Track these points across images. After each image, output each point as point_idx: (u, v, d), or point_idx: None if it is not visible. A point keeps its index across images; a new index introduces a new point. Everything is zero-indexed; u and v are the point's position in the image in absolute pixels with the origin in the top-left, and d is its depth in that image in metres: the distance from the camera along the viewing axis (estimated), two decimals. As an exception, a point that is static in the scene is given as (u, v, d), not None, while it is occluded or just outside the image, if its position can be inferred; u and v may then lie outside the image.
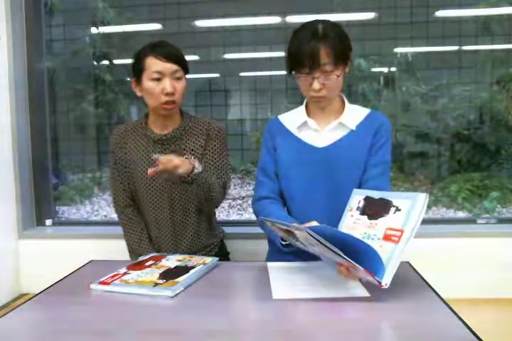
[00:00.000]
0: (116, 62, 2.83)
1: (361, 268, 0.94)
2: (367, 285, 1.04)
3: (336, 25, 1.29)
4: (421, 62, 2.68)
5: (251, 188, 2.92)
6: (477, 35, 2.61)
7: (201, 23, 2.69)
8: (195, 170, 1.35)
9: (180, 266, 1.22)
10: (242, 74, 2.80)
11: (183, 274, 1.15)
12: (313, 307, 0.98)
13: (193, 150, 1.52)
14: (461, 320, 0.89)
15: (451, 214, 2.72)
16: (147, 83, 1.42)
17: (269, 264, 1.28)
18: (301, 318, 0.94)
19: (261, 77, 2.79)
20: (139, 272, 1.17)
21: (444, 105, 2.71)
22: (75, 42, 2.81)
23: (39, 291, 1.11)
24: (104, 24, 2.75)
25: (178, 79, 1.44)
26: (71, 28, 2.79)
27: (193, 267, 1.20)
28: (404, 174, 2.84)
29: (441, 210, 2.75)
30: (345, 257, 0.94)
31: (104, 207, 2.89)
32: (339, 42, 1.26)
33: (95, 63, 2.85)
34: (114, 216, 1.68)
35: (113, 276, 1.14)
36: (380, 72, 2.76)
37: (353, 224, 1.16)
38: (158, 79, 1.41)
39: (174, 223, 1.54)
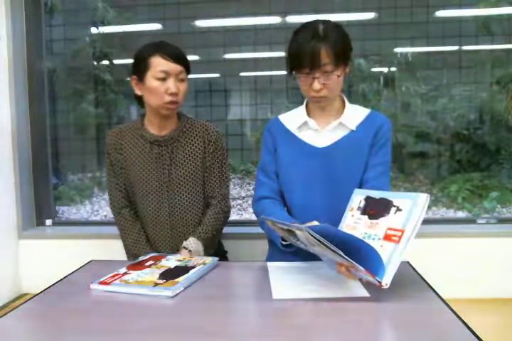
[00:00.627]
0: (116, 62, 2.83)
1: (361, 268, 0.94)
2: (367, 285, 1.04)
3: (336, 26, 1.29)
4: (421, 62, 2.68)
5: (251, 188, 2.92)
6: (477, 35, 2.61)
7: (201, 23, 2.69)
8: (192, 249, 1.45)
9: (180, 266, 1.22)
10: (242, 74, 2.80)
11: (183, 274, 1.15)
12: (314, 307, 0.98)
13: (190, 152, 1.52)
14: (461, 320, 0.89)
15: (451, 214, 2.72)
16: (151, 82, 1.41)
17: (269, 264, 1.28)
18: (301, 318, 0.94)
19: (261, 77, 2.79)
20: (139, 272, 1.17)
21: (444, 105, 2.71)
22: (75, 42, 2.81)
23: (39, 291, 1.11)
24: (104, 24, 2.76)
25: (182, 80, 1.44)
26: (71, 28, 2.79)
27: (193, 267, 1.20)
28: (404, 174, 2.84)
29: (441, 210, 2.75)
30: (346, 257, 0.94)
31: (104, 207, 2.89)
32: (340, 43, 1.25)
33: (95, 63, 2.85)
34: (114, 216, 1.68)
35: (113, 276, 1.14)
36: (380, 72, 2.76)
37: (353, 224, 1.16)
38: (163, 79, 1.40)
39: (173, 223, 1.54)
